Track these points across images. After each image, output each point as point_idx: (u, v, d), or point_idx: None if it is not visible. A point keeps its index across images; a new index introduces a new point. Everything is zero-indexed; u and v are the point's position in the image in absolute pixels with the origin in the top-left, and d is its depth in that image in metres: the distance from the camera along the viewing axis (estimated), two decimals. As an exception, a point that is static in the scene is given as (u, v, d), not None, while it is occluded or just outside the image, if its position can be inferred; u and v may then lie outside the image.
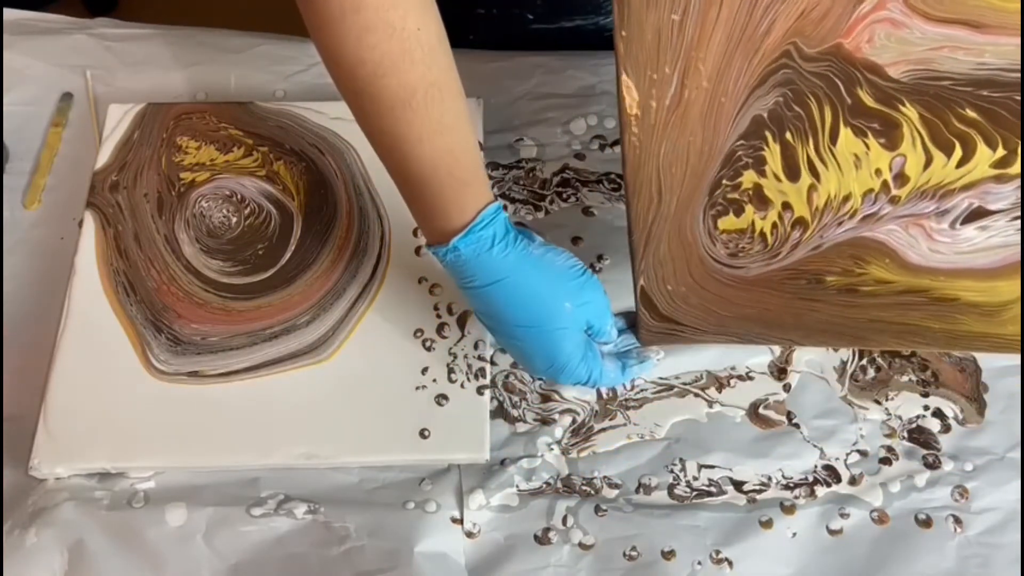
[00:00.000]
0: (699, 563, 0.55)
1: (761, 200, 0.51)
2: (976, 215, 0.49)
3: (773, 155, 0.49)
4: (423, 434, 0.57)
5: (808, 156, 0.49)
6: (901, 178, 0.49)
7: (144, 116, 0.69)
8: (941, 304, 0.54)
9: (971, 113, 0.46)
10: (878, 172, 0.49)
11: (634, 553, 0.55)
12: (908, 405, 0.60)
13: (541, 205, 0.68)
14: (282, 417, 0.58)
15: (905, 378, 0.61)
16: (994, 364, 0.61)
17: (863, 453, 0.58)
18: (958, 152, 0.47)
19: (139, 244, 0.64)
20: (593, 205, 0.68)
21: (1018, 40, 0.43)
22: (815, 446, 0.59)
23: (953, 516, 0.56)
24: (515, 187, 0.69)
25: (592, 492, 0.57)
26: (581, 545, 0.55)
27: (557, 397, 0.60)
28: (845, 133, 0.47)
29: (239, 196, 0.66)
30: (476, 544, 0.55)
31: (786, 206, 0.51)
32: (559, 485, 0.57)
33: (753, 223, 0.52)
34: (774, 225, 0.52)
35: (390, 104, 0.50)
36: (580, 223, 0.67)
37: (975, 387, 0.61)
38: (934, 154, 0.47)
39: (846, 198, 0.50)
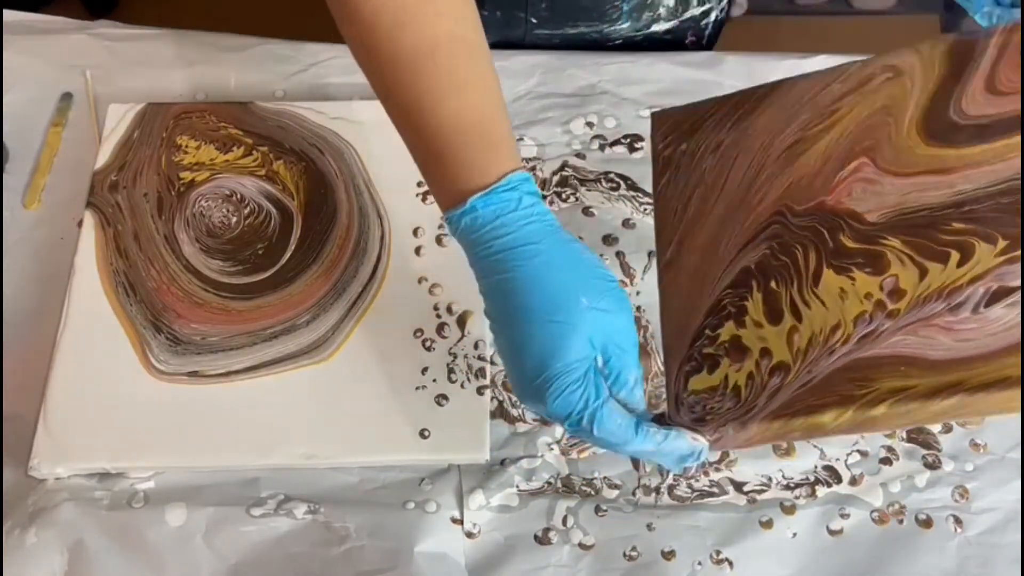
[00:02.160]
0: (699, 563, 0.55)
1: (738, 350, 0.47)
2: (999, 295, 0.44)
3: (755, 304, 0.48)
4: (423, 434, 0.57)
5: (791, 298, 0.48)
6: (896, 294, 0.46)
7: (144, 116, 0.69)
8: (988, 388, 0.44)
9: (958, 225, 0.46)
10: (868, 296, 0.46)
11: (634, 553, 0.55)
12: (908, 405, 0.60)
13: (541, 205, 0.68)
14: (282, 417, 0.58)
15: (905, 378, 0.61)
16: (994, 364, 0.61)
17: (863, 453, 0.58)
18: (955, 256, 0.45)
19: (139, 244, 0.64)
20: (593, 205, 0.68)
21: (989, 168, 0.46)
22: (815, 446, 0.59)
23: (953, 516, 0.56)
24: (515, 187, 0.68)
25: (592, 492, 0.57)
26: (581, 545, 0.55)
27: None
28: (827, 273, 0.47)
29: (239, 196, 0.66)
30: (476, 544, 0.55)
31: (764, 352, 0.47)
32: (559, 485, 0.57)
33: (726, 377, 0.47)
34: (750, 376, 0.47)
35: (411, 57, 0.47)
36: (580, 223, 0.67)
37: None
38: (928, 266, 0.46)
39: (835, 328, 0.46)
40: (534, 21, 0.76)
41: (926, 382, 0.44)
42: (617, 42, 0.79)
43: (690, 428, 0.46)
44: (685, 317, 0.50)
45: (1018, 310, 0.44)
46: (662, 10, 0.77)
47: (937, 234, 0.46)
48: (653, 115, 0.56)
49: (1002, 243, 0.45)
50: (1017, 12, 0.57)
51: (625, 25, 0.77)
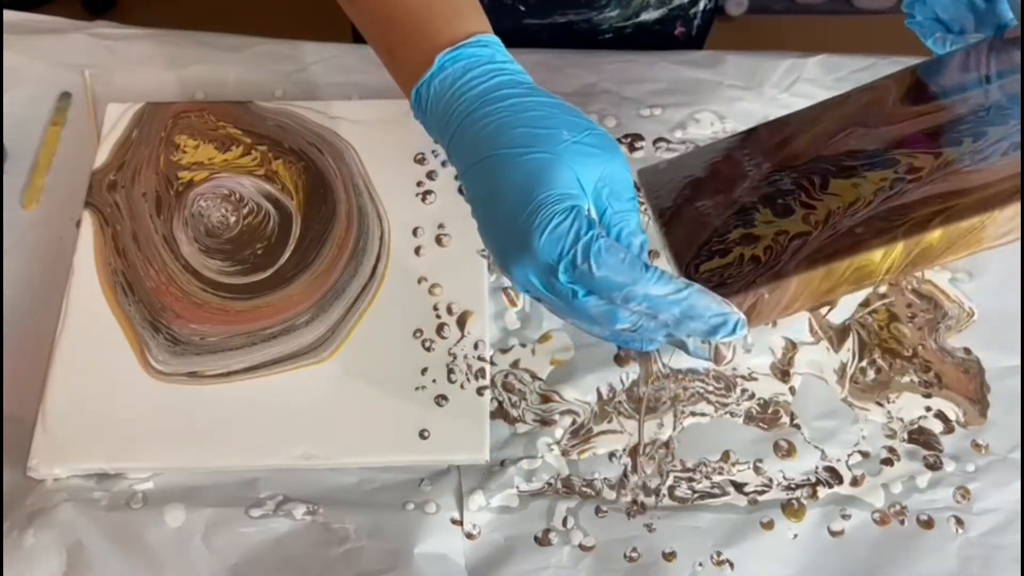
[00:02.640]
0: (700, 564, 0.55)
1: (750, 239, 0.46)
2: None
3: (764, 213, 0.47)
4: (423, 435, 0.57)
5: (800, 200, 0.47)
6: (914, 171, 0.46)
7: (143, 115, 0.69)
8: None
9: (965, 126, 0.47)
10: (883, 179, 0.46)
11: (635, 554, 0.55)
12: (909, 406, 0.60)
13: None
14: (281, 418, 0.57)
15: (906, 379, 0.61)
16: (997, 365, 0.61)
17: (864, 454, 0.58)
18: (969, 140, 0.47)
19: (137, 244, 0.64)
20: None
21: (981, 94, 0.49)
22: (816, 447, 0.59)
23: (955, 517, 0.56)
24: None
25: (592, 493, 0.57)
26: (581, 546, 0.55)
27: (557, 398, 0.60)
28: (835, 181, 0.47)
29: (238, 195, 0.66)
30: (476, 545, 0.55)
31: (780, 232, 0.46)
32: (559, 486, 0.57)
33: (741, 256, 0.45)
34: (767, 248, 0.45)
35: None
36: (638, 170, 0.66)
37: (978, 388, 0.60)
38: (944, 150, 0.46)
39: (853, 202, 0.46)
40: (522, 9, 0.76)
41: (968, 200, 0.43)
42: (607, 35, 0.79)
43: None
44: (690, 237, 0.48)
45: None
46: None
47: (945, 134, 0.47)
48: (639, 171, 0.55)
49: (1014, 123, 0.46)
50: (967, 38, 0.60)
51: (614, 13, 0.77)
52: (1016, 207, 0.43)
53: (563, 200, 0.40)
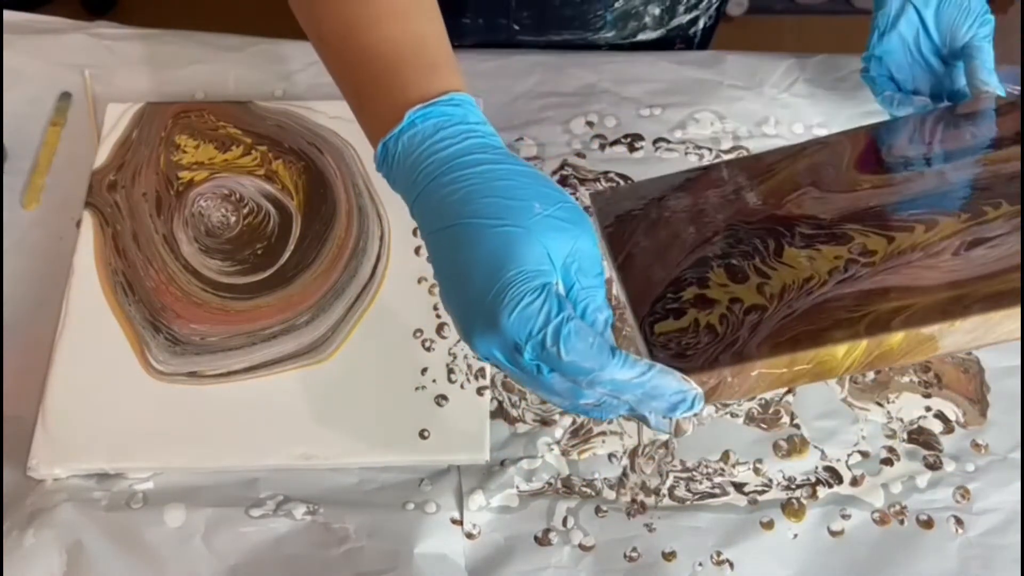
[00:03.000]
0: (700, 564, 0.55)
1: (705, 302, 0.46)
2: (977, 243, 0.45)
3: (718, 274, 0.47)
4: (423, 435, 0.57)
5: (755, 266, 0.47)
6: (867, 254, 0.46)
7: (143, 115, 0.69)
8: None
9: (916, 211, 0.48)
10: (838, 257, 0.46)
11: (635, 554, 0.55)
12: (909, 406, 0.60)
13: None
14: (281, 417, 0.57)
15: (906, 379, 0.61)
16: (997, 365, 0.61)
17: (864, 454, 0.58)
18: (921, 227, 0.47)
19: (138, 244, 0.64)
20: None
21: (931, 179, 0.50)
22: (816, 447, 0.59)
23: (954, 517, 0.56)
24: (515, 186, 0.68)
25: (592, 493, 0.57)
26: (581, 546, 0.55)
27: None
28: (790, 250, 0.47)
29: (238, 195, 0.66)
30: (476, 545, 0.55)
31: (734, 300, 0.45)
32: (559, 486, 0.57)
33: (696, 320, 0.45)
34: (722, 317, 0.45)
35: None
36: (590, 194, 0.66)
37: (978, 388, 0.60)
38: (895, 235, 0.46)
39: (808, 279, 0.45)
40: (517, 28, 0.76)
41: (928, 299, 0.43)
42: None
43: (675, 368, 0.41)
44: (646, 289, 0.48)
45: (1000, 249, 0.44)
46: (648, 19, 0.76)
47: (896, 218, 0.47)
48: (592, 195, 0.55)
49: (964, 216, 0.46)
50: (917, 100, 0.62)
51: (610, 34, 0.77)
52: (975, 320, 0.42)
53: (534, 278, 0.39)
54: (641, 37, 0.78)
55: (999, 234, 0.46)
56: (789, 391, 0.60)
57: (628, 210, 0.52)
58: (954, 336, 0.43)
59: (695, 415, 0.42)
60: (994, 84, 0.58)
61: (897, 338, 0.42)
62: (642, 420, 0.42)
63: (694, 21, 0.79)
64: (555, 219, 0.41)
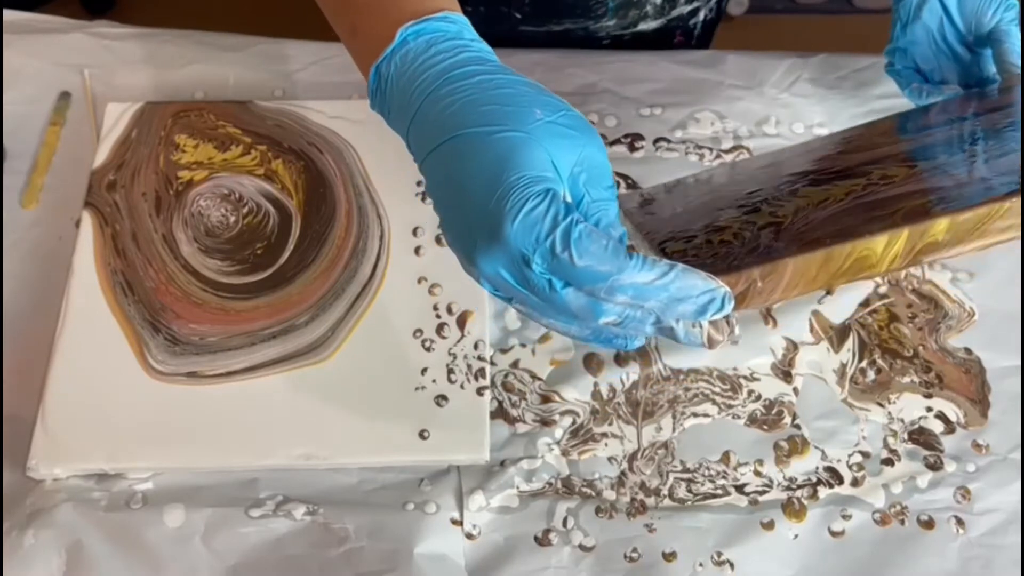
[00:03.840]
0: (700, 564, 0.54)
1: (717, 230, 0.44)
2: (1006, 154, 0.44)
3: (728, 214, 0.46)
4: (423, 435, 0.57)
5: (767, 201, 0.46)
6: (887, 178, 0.44)
7: (142, 115, 0.69)
8: None
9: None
10: (855, 186, 0.44)
11: (635, 555, 0.55)
12: (910, 407, 0.60)
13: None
14: (281, 418, 0.57)
15: (907, 379, 0.61)
16: (997, 365, 0.61)
17: (865, 454, 0.58)
18: (944, 156, 0.46)
19: (137, 243, 0.64)
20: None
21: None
22: (817, 447, 0.58)
23: (955, 517, 0.56)
24: (515, 186, 0.68)
25: (593, 493, 0.57)
26: (581, 547, 0.55)
27: (557, 398, 0.60)
28: (804, 189, 0.46)
29: (237, 195, 0.66)
30: (476, 545, 0.55)
31: (748, 223, 0.43)
32: (559, 486, 0.57)
33: (709, 240, 0.43)
34: (736, 234, 0.43)
35: None
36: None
37: (980, 389, 0.60)
38: (916, 163, 0.45)
39: (823, 200, 0.43)
40: (518, 16, 0.76)
41: (969, 189, 0.40)
42: (604, 42, 0.78)
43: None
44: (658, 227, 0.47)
45: None
46: (649, 8, 0.76)
47: (921, 153, 0.46)
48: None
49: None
50: (947, 89, 0.59)
51: (611, 22, 0.77)
52: None
53: (537, 183, 0.36)
54: (642, 27, 0.77)
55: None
56: (795, 391, 0.60)
57: (652, 198, 0.51)
58: (1004, 220, 0.40)
59: (727, 320, 0.39)
60: None
61: (942, 225, 0.39)
62: (670, 336, 0.39)
63: (695, 12, 0.79)
64: (559, 125, 0.38)
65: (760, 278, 0.39)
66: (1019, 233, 0.42)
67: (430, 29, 0.42)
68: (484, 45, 0.43)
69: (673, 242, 0.43)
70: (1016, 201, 0.40)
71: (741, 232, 0.42)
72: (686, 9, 0.78)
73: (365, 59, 0.44)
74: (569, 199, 0.38)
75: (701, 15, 0.80)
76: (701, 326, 0.39)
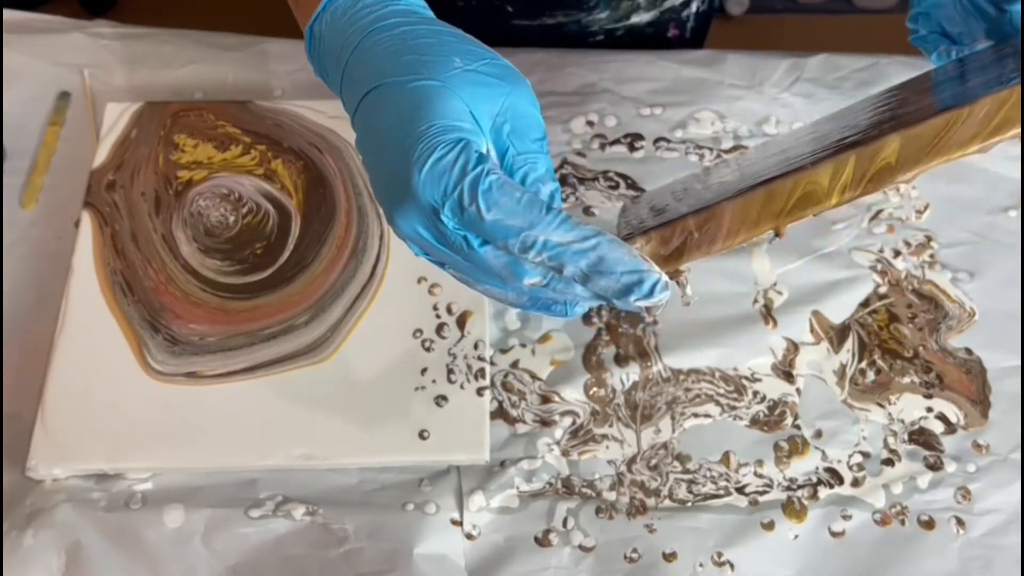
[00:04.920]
0: (700, 565, 0.54)
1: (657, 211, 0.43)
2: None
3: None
4: (422, 435, 0.57)
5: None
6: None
7: (141, 115, 0.69)
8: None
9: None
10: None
11: (635, 555, 0.55)
12: (910, 407, 0.60)
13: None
14: (280, 418, 0.57)
15: (907, 380, 0.61)
16: (998, 365, 0.61)
17: (865, 454, 0.58)
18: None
19: (136, 243, 0.63)
20: (593, 204, 0.67)
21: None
22: (817, 448, 0.58)
23: (955, 518, 0.56)
24: (515, 186, 0.68)
25: (593, 494, 0.57)
26: (582, 547, 0.55)
27: (557, 398, 0.60)
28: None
29: (237, 195, 0.66)
30: (476, 546, 0.55)
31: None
32: (560, 487, 0.57)
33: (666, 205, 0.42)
34: (685, 188, 0.42)
35: None
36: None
37: (980, 389, 0.60)
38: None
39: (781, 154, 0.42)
40: (510, 10, 0.75)
41: (927, 102, 0.37)
42: (598, 36, 0.78)
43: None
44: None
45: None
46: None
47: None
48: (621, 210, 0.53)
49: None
50: (978, 46, 0.55)
51: (603, 15, 0.76)
52: (991, 100, 0.36)
53: (448, 131, 0.34)
54: (635, 19, 0.77)
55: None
56: (797, 391, 0.60)
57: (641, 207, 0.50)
58: (964, 129, 0.36)
59: (669, 272, 0.36)
60: None
61: (893, 145, 0.36)
62: (607, 301, 0.36)
63: (687, 4, 0.79)
64: (479, 73, 0.36)
65: (696, 228, 0.37)
66: (984, 143, 0.38)
67: None
68: (421, 2, 0.41)
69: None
70: (981, 104, 0.36)
71: (691, 186, 0.41)
72: (678, 0, 0.78)
73: (303, 19, 0.42)
74: (492, 152, 0.36)
75: (694, 6, 0.79)
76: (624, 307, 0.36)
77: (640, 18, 0.78)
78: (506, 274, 0.36)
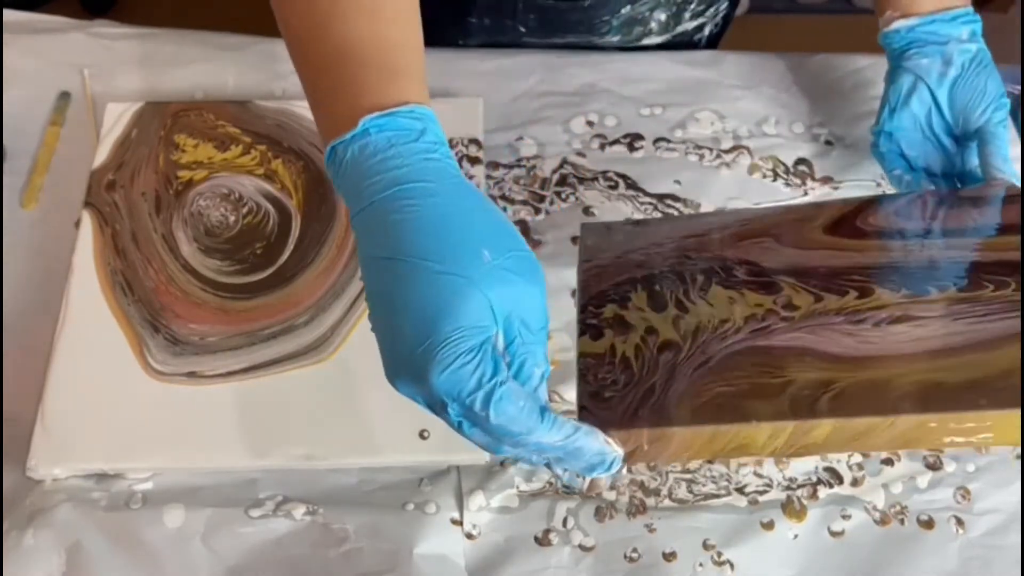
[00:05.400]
0: (700, 565, 0.54)
1: (622, 325, 0.46)
2: (904, 319, 0.43)
3: (639, 296, 0.47)
4: (422, 435, 0.57)
5: (676, 297, 0.47)
6: (790, 307, 0.45)
7: (141, 115, 0.69)
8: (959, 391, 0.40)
9: (857, 277, 0.46)
10: (759, 305, 0.45)
11: (635, 555, 0.55)
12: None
13: (540, 206, 0.67)
14: (280, 418, 0.57)
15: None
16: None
17: (865, 454, 0.58)
18: (854, 293, 0.45)
19: (137, 243, 0.64)
20: (593, 205, 0.67)
21: (889, 250, 0.48)
22: (816, 447, 0.58)
23: (955, 517, 0.56)
24: (515, 187, 0.68)
25: (593, 494, 0.57)
26: (581, 547, 0.55)
27: (557, 398, 0.60)
28: (716, 288, 0.47)
29: (237, 195, 0.66)
30: (476, 545, 0.55)
31: (650, 330, 0.45)
32: (559, 486, 0.57)
33: (612, 346, 0.45)
34: (637, 348, 0.44)
35: None
36: (579, 222, 0.66)
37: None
38: (824, 295, 0.45)
39: (724, 320, 0.45)
40: (522, 30, 0.76)
41: (849, 376, 0.40)
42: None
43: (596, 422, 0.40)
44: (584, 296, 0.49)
45: (921, 330, 0.42)
46: (653, 24, 0.76)
47: (835, 280, 0.46)
48: (583, 226, 0.56)
49: (906, 291, 0.45)
50: (926, 184, 0.60)
51: (615, 39, 0.77)
52: (927, 418, 0.39)
53: (472, 336, 0.37)
54: (646, 42, 0.78)
55: (927, 316, 0.43)
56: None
57: (608, 247, 0.52)
58: (894, 437, 0.39)
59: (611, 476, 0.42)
60: (1009, 172, 0.56)
61: (825, 428, 0.39)
62: (553, 473, 0.43)
63: (700, 28, 0.79)
64: (504, 270, 0.38)
65: (647, 442, 0.41)
66: (895, 451, 0.43)
67: (394, 125, 0.40)
68: (447, 150, 0.42)
69: (581, 333, 0.46)
70: (904, 420, 0.39)
71: (642, 349, 0.44)
72: (691, 25, 0.78)
73: (325, 132, 0.43)
74: (501, 342, 0.38)
75: (707, 30, 0.80)
76: (584, 476, 0.42)
77: (651, 41, 0.78)
78: (485, 447, 0.40)
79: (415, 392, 0.39)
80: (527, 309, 0.39)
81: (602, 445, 0.39)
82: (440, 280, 0.37)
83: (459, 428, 0.39)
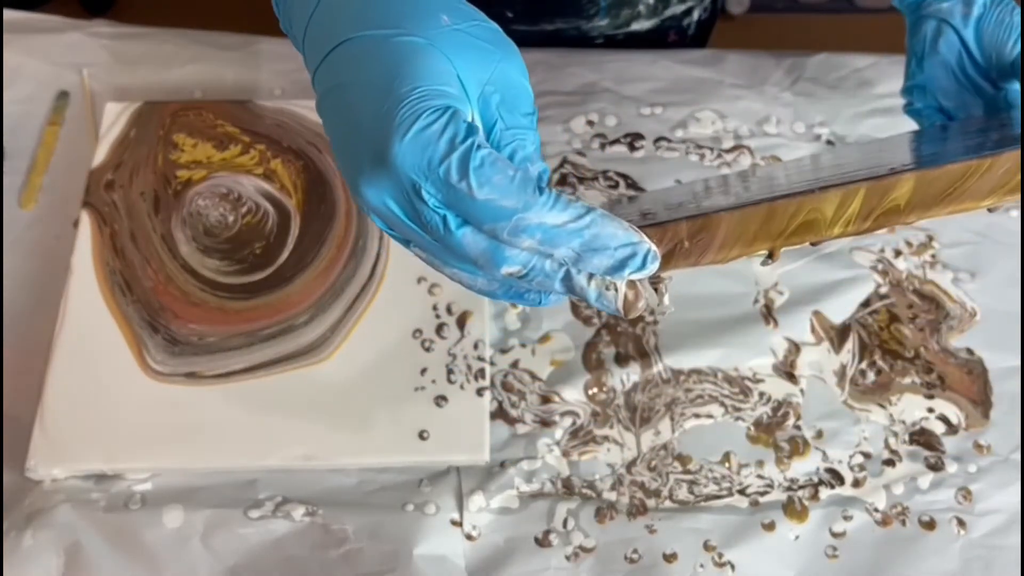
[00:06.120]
0: (701, 566, 0.54)
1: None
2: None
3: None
4: (422, 435, 0.57)
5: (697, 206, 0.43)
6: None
7: (140, 114, 0.69)
8: None
9: None
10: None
11: (635, 556, 0.55)
12: (911, 408, 0.60)
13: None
14: (280, 418, 0.57)
15: (908, 380, 0.60)
16: (999, 365, 0.61)
17: (866, 455, 0.58)
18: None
19: (135, 243, 0.63)
20: (593, 204, 0.67)
21: None
22: (818, 448, 0.58)
23: (956, 518, 0.56)
24: (515, 186, 0.68)
25: (593, 494, 0.57)
26: (582, 548, 0.55)
27: (557, 399, 0.59)
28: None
29: (236, 194, 0.66)
30: (476, 546, 0.55)
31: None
32: (560, 487, 0.57)
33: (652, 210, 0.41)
34: (681, 204, 0.40)
35: None
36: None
37: (982, 389, 0.60)
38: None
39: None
40: (510, 15, 0.75)
41: (944, 149, 0.36)
42: (598, 41, 0.78)
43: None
44: None
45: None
46: (641, 7, 0.76)
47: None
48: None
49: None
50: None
51: (603, 22, 0.76)
52: (1012, 158, 0.35)
53: (435, 96, 0.31)
54: (635, 27, 0.77)
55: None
56: (801, 392, 0.60)
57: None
58: (979, 183, 0.34)
59: (655, 286, 0.34)
60: None
61: (906, 185, 0.34)
62: (582, 296, 0.33)
63: (688, 12, 0.78)
64: (468, 35, 0.33)
65: (688, 236, 0.34)
66: (998, 201, 0.36)
67: None
68: None
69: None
70: (1004, 160, 0.34)
71: (687, 200, 0.38)
72: (679, 9, 0.78)
73: None
74: (479, 124, 0.33)
75: (695, 15, 0.79)
76: (617, 288, 0.33)
77: (640, 25, 0.78)
78: (483, 261, 0.33)
79: (382, 186, 0.32)
80: (505, 85, 0.34)
81: (627, 231, 0.32)
82: (392, 44, 0.32)
83: (445, 231, 0.32)
